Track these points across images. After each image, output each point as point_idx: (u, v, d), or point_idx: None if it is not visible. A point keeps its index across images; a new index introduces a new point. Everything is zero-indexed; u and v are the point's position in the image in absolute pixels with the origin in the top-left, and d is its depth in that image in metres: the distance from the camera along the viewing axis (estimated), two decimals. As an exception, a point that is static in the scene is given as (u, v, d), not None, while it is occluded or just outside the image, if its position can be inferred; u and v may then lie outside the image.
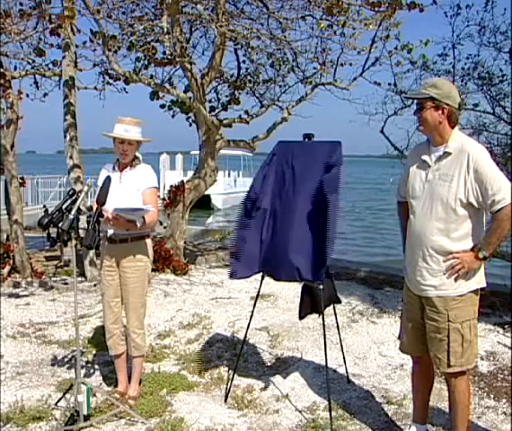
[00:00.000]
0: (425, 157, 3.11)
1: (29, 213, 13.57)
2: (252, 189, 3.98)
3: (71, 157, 7.72)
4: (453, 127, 3.05)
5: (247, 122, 9.09)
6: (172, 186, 8.83)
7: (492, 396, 4.15)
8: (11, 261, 7.64)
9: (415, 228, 3.12)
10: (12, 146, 7.81)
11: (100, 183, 3.77)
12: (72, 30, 7.82)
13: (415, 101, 3.15)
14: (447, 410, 3.61)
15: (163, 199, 8.86)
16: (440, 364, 3.09)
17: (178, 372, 4.51)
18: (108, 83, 9.38)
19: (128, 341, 3.96)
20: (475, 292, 3.07)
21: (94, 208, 3.51)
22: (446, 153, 3.01)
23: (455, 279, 3.01)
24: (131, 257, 3.81)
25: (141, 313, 3.93)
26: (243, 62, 9.42)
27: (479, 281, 3.07)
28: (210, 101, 9.58)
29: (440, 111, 3.00)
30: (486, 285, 3.12)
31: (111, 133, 3.81)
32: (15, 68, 8.42)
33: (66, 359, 4.76)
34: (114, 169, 3.91)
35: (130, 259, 3.81)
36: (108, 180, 3.61)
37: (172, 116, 9.68)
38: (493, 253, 6.39)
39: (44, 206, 3.94)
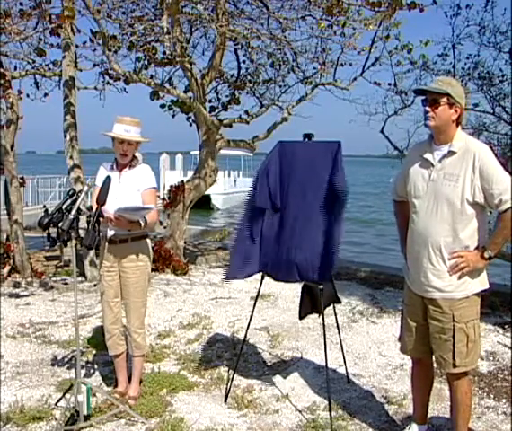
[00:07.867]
0: (427, 156, 3.06)
1: (29, 213, 13.56)
2: (252, 190, 3.98)
3: (71, 157, 7.72)
4: (457, 128, 3.04)
5: (247, 122, 9.09)
6: (172, 186, 8.82)
7: (492, 396, 4.15)
8: (11, 261, 7.64)
9: (418, 228, 3.07)
10: (12, 146, 7.81)
11: (98, 181, 3.78)
12: (72, 30, 7.82)
13: (419, 95, 3.10)
14: (447, 410, 3.61)
15: (163, 199, 8.86)
16: (445, 365, 3.06)
17: (178, 372, 4.51)
18: (108, 83, 9.37)
19: (128, 341, 3.97)
20: (478, 294, 3.05)
21: (94, 208, 3.51)
22: (451, 153, 2.98)
23: (459, 278, 2.97)
24: (132, 257, 3.81)
25: (142, 313, 3.93)
26: (243, 62, 9.41)
27: (483, 283, 3.05)
28: (210, 101, 9.58)
29: (453, 110, 2.98)
30: (488, 287, 3.09)
31: (111, 133, 3.80)
32: (15, 68, 8.43)
33: (66, 359, 4.76)
34: (112, 168, 3.90)
35: (131, 259, 3.82)
36: (108, 180, 3.60)
37: (173, 116, 9.67)
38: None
39: (44, 206, 3.94)
